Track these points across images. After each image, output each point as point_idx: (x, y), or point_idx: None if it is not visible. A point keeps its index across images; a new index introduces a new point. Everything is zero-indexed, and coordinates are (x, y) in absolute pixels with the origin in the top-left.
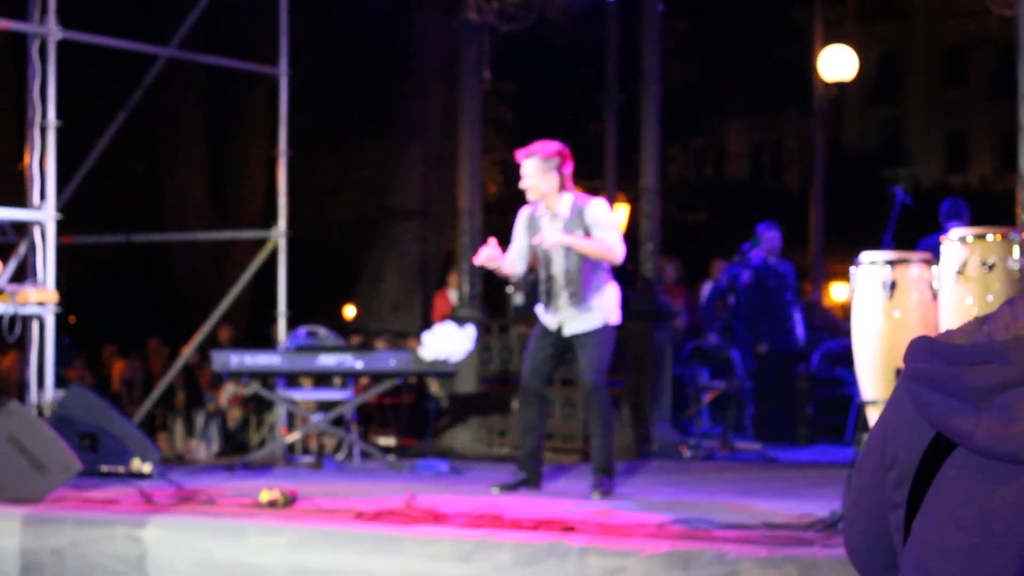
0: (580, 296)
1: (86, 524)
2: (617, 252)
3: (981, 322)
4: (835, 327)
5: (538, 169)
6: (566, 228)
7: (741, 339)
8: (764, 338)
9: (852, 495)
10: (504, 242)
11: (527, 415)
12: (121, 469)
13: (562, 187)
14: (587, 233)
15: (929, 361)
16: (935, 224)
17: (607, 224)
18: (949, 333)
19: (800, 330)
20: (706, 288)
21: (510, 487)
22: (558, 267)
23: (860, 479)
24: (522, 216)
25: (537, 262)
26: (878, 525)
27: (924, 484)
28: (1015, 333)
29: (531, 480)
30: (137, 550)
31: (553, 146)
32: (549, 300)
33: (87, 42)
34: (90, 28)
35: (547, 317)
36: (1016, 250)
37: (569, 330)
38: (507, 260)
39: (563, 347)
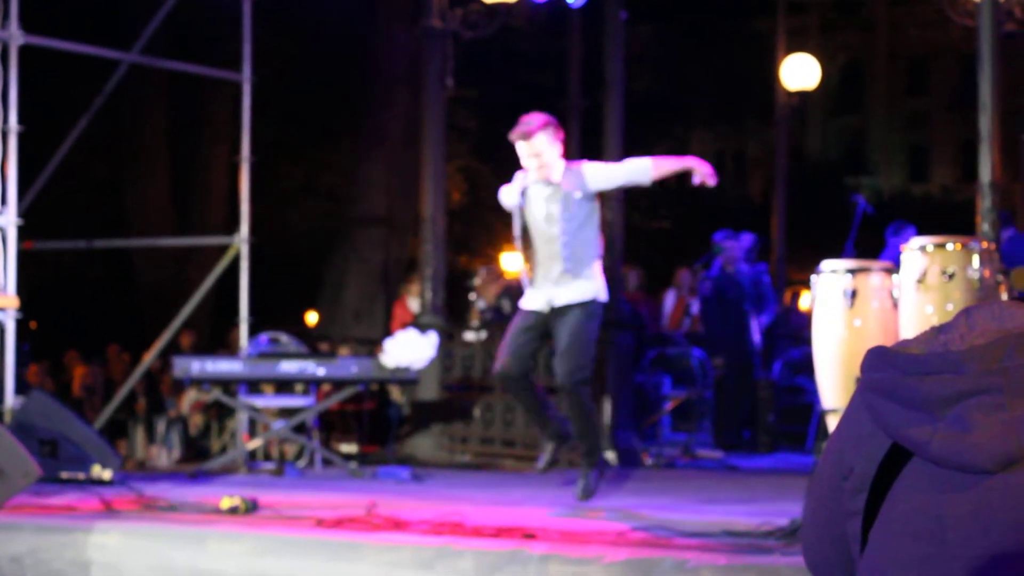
0: (577, 265)
1: (45, 531)
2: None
3: (937, 332)
4: (796, 335)
5: (548, 143)
6: (564, 195)
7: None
8: (720, 350)
9: (810, 505)
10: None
11: (524, 399)
12: (81, 476)
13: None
14: (585, 195)
15: (885, 371)
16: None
17: (607, 168)
18: (905, 343)
19: (756, 338)
20: (669, 296)
21: (550, 464)
22: (560, 236)
23: (818, 489)
24: (513, 193)
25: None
26: (836, 534)
27: (881, 493)
28: (970, 343)
29: (562, 441)
30: (97, 557)
31: (545, 116)
32: (540, 273)
33: (50, 47)
34: (53, 33)
35: (533, 297)
36: (976, 259)
37: (559, 302)
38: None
39: (546, 329)
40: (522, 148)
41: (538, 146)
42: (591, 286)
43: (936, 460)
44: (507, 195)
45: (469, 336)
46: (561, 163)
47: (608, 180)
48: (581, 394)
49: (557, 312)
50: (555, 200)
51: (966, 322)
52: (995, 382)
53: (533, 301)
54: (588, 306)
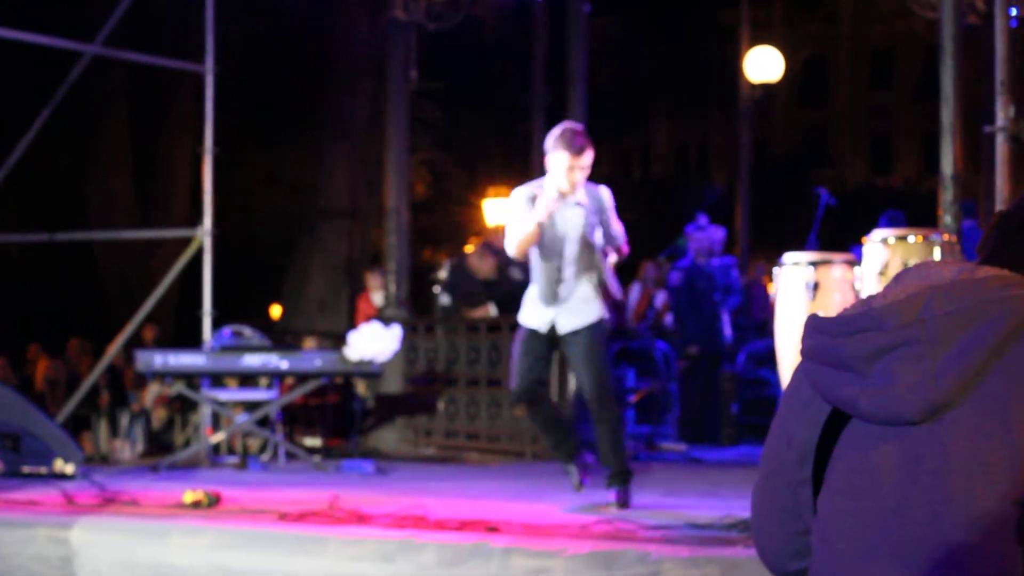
0: (586, 288)
1: (7, 526)
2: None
3: (870, 297)
4: (760, 327)
5: (591, 158)
6: (588, 216)
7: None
8: (693, 339)
9: (759, 481)
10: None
11: (541, 414)
12: (43, 470)
13: None
14: (600, 220)
15: (816, 337)
16: (860, 225)
17: (613, 211)
18: (842, 310)
19: (727, 330)
20: (633, 289)
21: (580, 482)
22: (581, 256)
23: (766, 464)
24: (524, 196)
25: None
26: (786, 507)
27: (826, 460)
28: (892, 299)
29: (576, 456)
30: (59, 552)
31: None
32: (555, 294)
33: (10, 38)
34: (14, 24)
35: (537, 316)
36: (937, 252)
37: (565, 327)
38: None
39: (550, 345)
40: (569, 161)
41: (587, 162)
42: (596, 307)
43: (865, 416)
44: (525, 201)
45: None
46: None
47: (607, 217)
48: (615, 410)
49: (567, 336)
50: (576, 222)
51: (895, 283)
52: (914, 334)
53: (535, 319)
54: (597, 326)
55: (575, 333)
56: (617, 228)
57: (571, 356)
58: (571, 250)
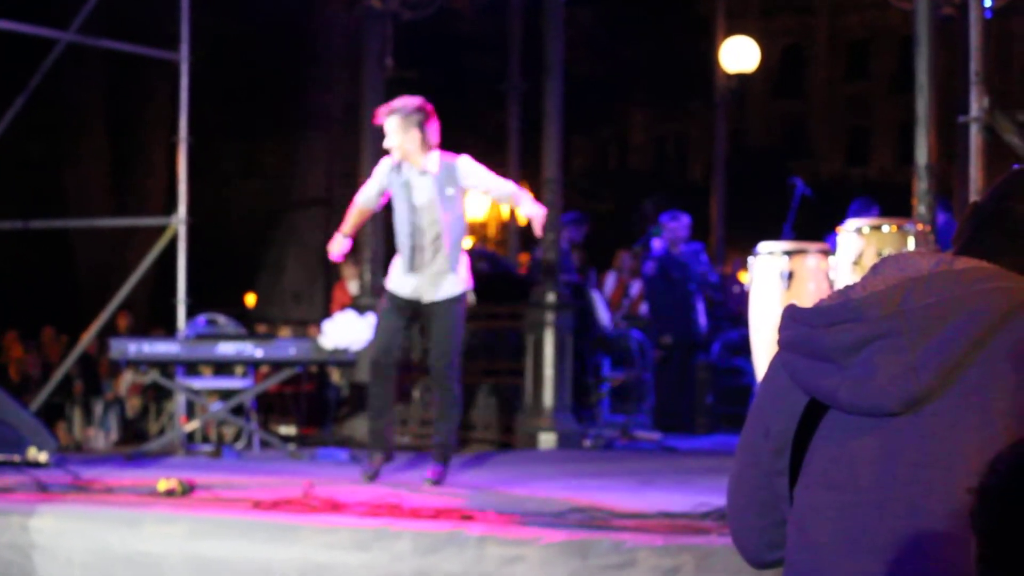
0: (449, 258)
1: None
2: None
3: (847, 287)
4: (735, 316)
5: (399, 126)
6: (437, 185)
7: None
8: (668, 329)
9: (736, 472)
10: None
11: (383, 388)
12: (17, 458)
13: (426, 145)
14: (457, 190)
15: (794, 328)
16: (835, 216)
17: (485, 173)
18: (820, 301)
19: (703, 320)
20: (609, 278)
21: (375, 474)
22: (434, 225)
23: (743, 455)
24: (384, 167)
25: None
26: (762, 498)
27: (803, 450)
28: (871, 291)
29: (388, 456)
30: (32, 540)
31: (414, 102)
32: (413, 263)
33: None
34: None
35: (403, 283)
36: (911, 241)
37: (429, 297)
38: (354, 212)
39: (413, 314)
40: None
41: (388, 127)
42: (462, 279)
43: (845, 407)
44: (379, 173)
45: None
46: (432, 154)
47: (479, 182)
48: (450, 378)
49: (432, 305)
50: (431, 191)
51: (872, 273)
52: (894, 325)
53: (403, 286)
54: (457, 301)
55: (436, 304)
56: (502, 184)
57: (428, 327)
58: (423, 218)
